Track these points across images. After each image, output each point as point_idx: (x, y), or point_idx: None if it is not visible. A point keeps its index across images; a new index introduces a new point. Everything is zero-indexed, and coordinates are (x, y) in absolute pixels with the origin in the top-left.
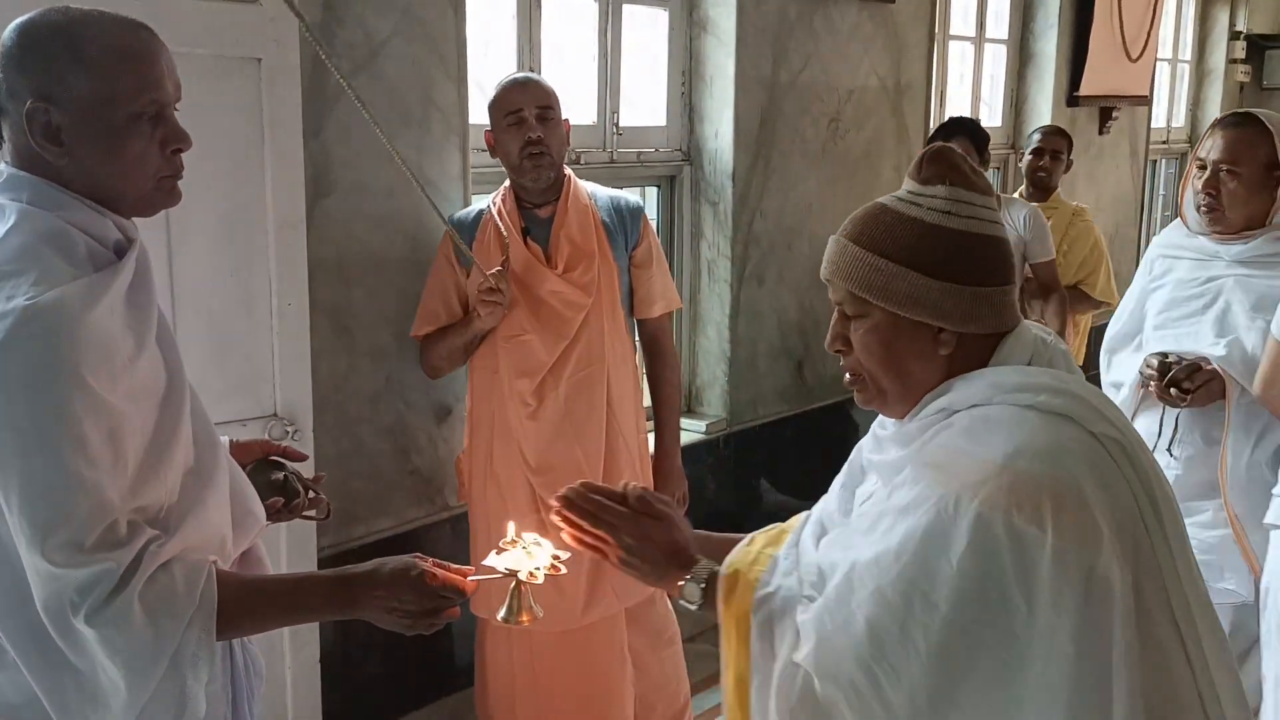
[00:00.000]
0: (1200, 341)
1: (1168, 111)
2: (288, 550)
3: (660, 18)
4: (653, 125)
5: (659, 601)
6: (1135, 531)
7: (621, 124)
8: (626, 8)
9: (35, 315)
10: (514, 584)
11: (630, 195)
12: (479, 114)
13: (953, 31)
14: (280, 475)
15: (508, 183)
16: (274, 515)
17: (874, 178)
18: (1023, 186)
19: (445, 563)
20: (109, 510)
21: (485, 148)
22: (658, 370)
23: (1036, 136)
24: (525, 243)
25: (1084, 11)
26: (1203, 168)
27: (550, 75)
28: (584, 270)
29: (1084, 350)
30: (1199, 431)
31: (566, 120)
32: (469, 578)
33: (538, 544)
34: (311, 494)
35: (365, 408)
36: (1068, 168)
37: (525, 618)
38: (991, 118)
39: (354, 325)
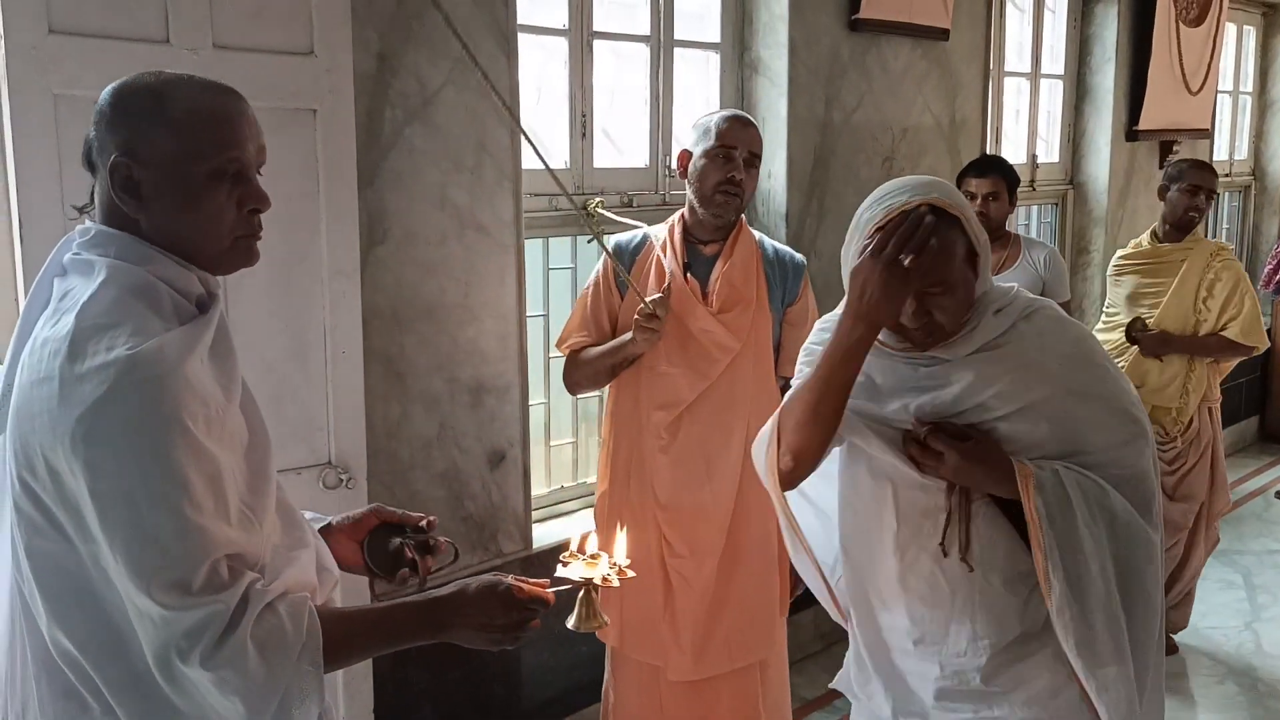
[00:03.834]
0: None
1: (1230, 144)
2: (342, 601)
3: (712, 60)
4: None
5: (773, 664)
6: None
7: (673, 166)
8: (678, 51)
9: (138, 364)
10: (583, 592)
11: (795, 252)
12: (531, 159)
13: (1008, 68)
14: (396, 541)
15: (680, 213)
16: (408, 583)
17: None
18: (1155, 225)
19: (524, 577)
20: (213, 553)
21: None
22: None
23: (1188, 171)
24: (685, 277)
25: (1142, 45)
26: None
27: (602, 119)
28: (739, 314)
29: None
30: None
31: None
32: (548, 589)
33: (596, 556)
34: (432, 541)
35: (418, 455)
36: (1212, 205)
37: (595, 624)
38: (1049, 153)
39: (407, 372)
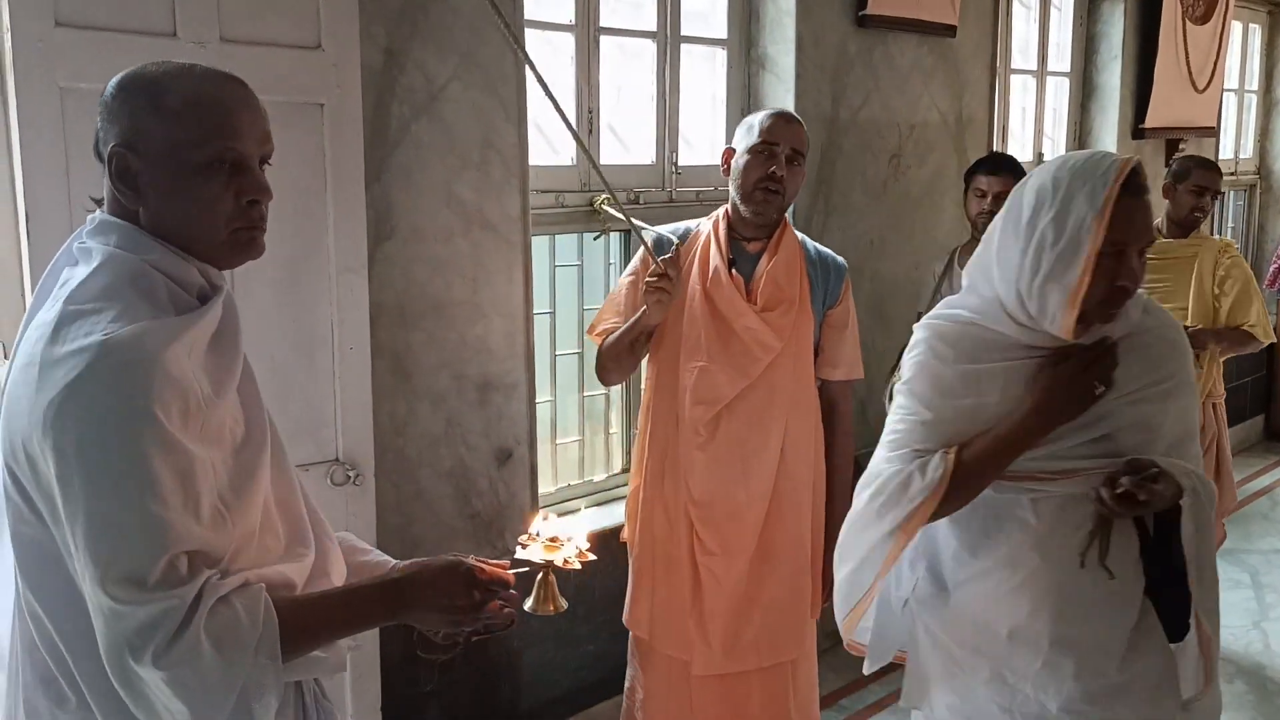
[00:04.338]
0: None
1: (1235, 143)
2: None
3: (718, 56)
4: (711, 164)
5: (803, 664)
6: None
7: (680, 163)
8: (684, 46)
9: (112, 349)
10: (541, 574)
11: (837, 255)
12: (538, 156)
13: (1014, 65)
14: None
15: (724, 209)
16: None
17: (936, 213)
18: (1158, 221)
19: (483, 559)
20: (173, 548)
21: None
22: (831, 435)
23: (1195, 171)
24: (729, 274)
25: (1148, 43)
26: (1120, 251)
27: (608, 115)
28: (782, 313)
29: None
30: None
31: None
32: (509, 570)
33: (555, 539)
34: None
35: (425, 452)
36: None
37: (552, 607)
38: (1055, 151)
39: (414, 369)
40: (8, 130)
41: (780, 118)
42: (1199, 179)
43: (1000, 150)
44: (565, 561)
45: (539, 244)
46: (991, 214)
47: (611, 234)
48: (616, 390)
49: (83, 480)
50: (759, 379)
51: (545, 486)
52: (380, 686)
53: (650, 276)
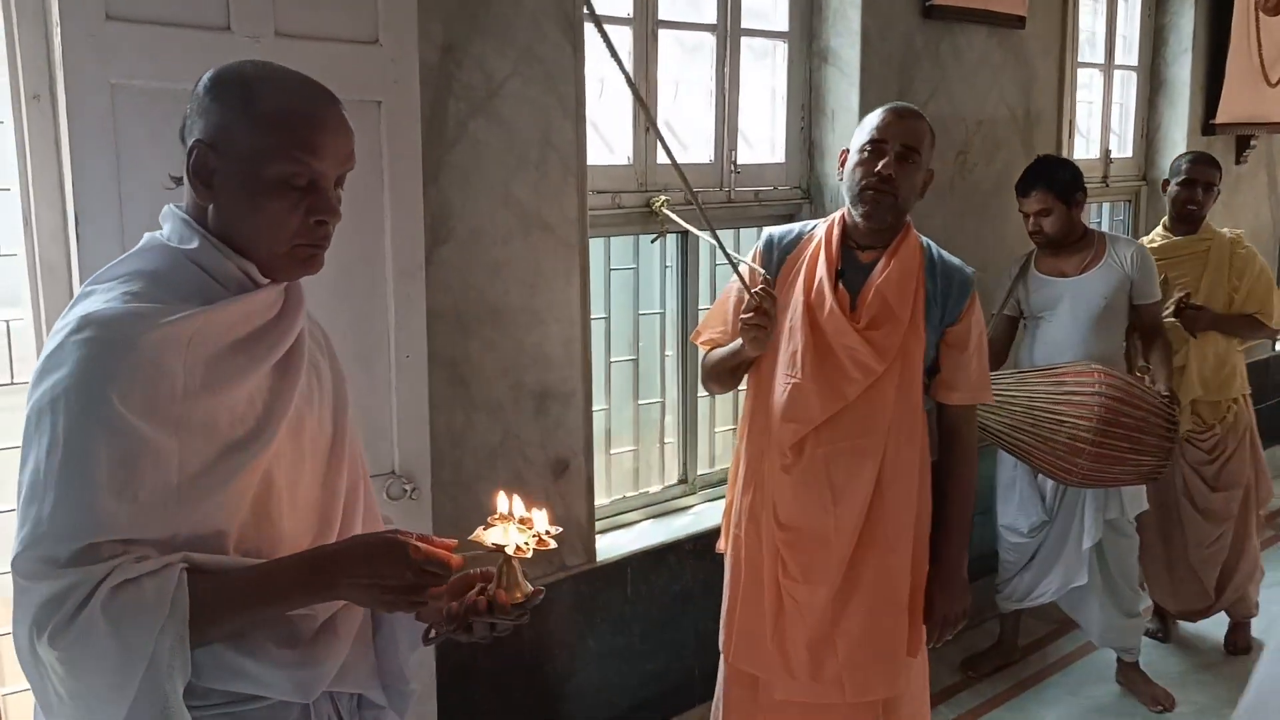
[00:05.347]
0: None
1: None
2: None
3: (779, 50)
4: (771, 162)
5: (905, 704)
6: None
7: (739, 162)
8: (744, 40)
9: (84, 325)
10: (502, 560)
11: (965, 265)
12: (596, 154)
13: (1081, 58)
14: (479, 586)
15: (841, 213)
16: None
17: (1005, 211)
18: (1165, 218)
19: (429, 536)
20: (94, 535)
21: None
22: (949, 464)
23: (1185, 165)
24: (836, 286)
25: (1219, 36)
26: None
27: (666, 113)
28: (888, 333)
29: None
30: None
31: (931, 170)
32: (455, 551)
33: (525, 519)
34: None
35: (482, 464)
36: (1215, 198)
37: (519, 594)
38: (1122, 148)
39: (471, 377)
40: (57, 128)
41: (892, 113)
42: (1190, 172)
43: (1045, 155)
44: (519, 548)
45: (594, 246)
46: (1036, 233)
47: (669, 236)
48: (672, 398)
49: (30, 452)
50: (856, 401)
51: (599, 499)
52: (436, 707)
53: (745, 313)
